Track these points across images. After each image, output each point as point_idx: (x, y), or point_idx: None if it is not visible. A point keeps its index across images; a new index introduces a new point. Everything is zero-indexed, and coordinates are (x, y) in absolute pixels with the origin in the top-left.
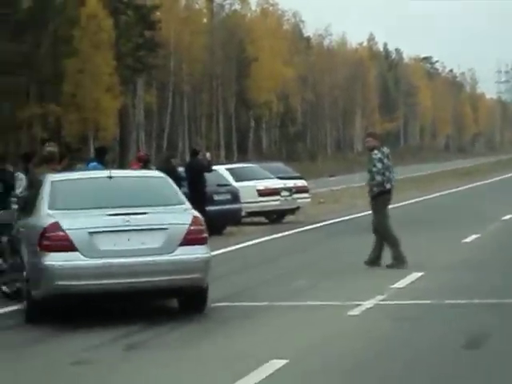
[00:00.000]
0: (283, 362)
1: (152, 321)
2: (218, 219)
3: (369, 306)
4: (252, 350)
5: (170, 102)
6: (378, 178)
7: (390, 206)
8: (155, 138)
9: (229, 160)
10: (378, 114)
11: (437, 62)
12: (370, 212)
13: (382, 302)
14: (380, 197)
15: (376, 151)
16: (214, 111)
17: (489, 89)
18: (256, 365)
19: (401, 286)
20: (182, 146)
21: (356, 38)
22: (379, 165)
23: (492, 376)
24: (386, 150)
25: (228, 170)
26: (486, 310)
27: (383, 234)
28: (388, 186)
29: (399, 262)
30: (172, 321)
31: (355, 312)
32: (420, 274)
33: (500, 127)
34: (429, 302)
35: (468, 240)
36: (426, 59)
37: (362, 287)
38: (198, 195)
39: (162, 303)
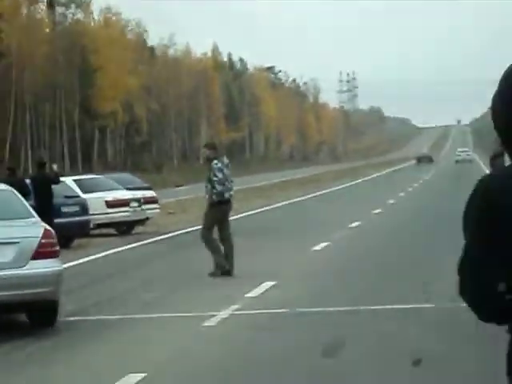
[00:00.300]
0: (141, 375)
1: (4, 337)
2: (66, 231)
3: (224, 317)
4: (107, 365)
5: (11, 113)
6: (219, 187)
7: (235, 216)
8: None
9: (73, 171)
10: (224, 123)
11: (280, 72)
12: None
13: (237, 312)
14: (218, 206)
15: (216, 161)
16: (57, 122)
17: (331, 98)
18: (112, 380)
19: (254, 295)
20: (24, 157)
21: (200, 49)
22: (219, 174)
23: (346, 383)
24: (225, 160)
25: (75, 181)
26: (340, 318)
27: (205, 240)
28: (227, 195)
29: (220, 269)
30: (25, 336)
31: (211, 323)
32: (272, 283)
33: (343, 136)
34: (283, 310)
35: (318, 248)
36: (270, 69)
37: (215, 297)
38: (45, 208)
39: (13, 318)
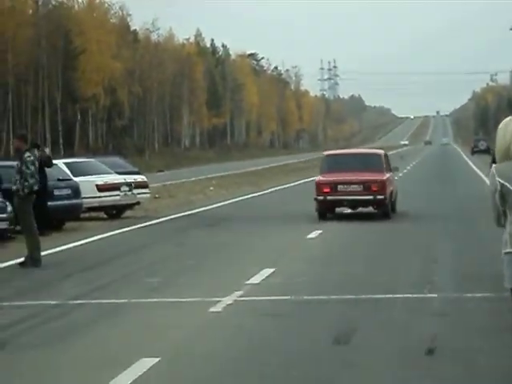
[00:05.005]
0: (154, 360)
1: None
2: (59, 214)
3: (229, 303)
4: (117, 350)
5: None
6: (31, 180)
7: (228, 201)
8: None
9: (55, 155)
10: (206, 109)
11: (262, 58)
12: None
13: (241, 299)
14: (29, 197)
15: (29, 153)
16: (39, 104)
17: (312, 86)
18: (126, 365)
19: (256, 281)
20: (6, 138)
21: (183, 34)
22: (32, 167)
23: (364, 370)
24: (36, 152)
25: (66, 164)
26: (345, 306)
27: (31, 233)
28: (36, 188)
29: (36, 263)
30: (26, 319)
31: (217, 309)
32: (272, 269)
33: (323, 124)
34: (287, 297)
35: (312, 235)
36: (252, 55)
37: (216, 284)
38: (39, 190)
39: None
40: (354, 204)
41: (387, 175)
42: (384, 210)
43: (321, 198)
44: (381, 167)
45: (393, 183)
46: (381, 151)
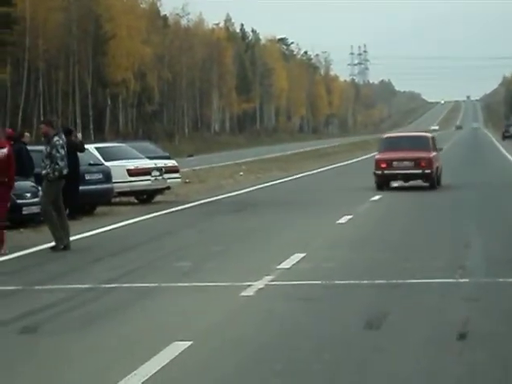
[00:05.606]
0: (187, 343)
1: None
2: (90, 199)
3: (260, 287)
4: (149, 334)
5: (24, 80)
6: (61, 163)
7: (255, 187)
8: (9, 115)
9: (85, 139)
10: (235, 94)
11: (292, 43)
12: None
13: (272, 283)
14: (58, 181)
15: (57, 137)
16: (70, 89)
17: (342, 71)
18: (158, 348)
19: (286, 266)
20: (36, 124)
21: (213, 19)
22: (62, 151)
23: (395, 355)
24: (63, 137)
25: (97, 149)
26: (376, 290)
27: (48, 217)
28: (65, 171)
29: (60, 243)
30: (58, 304)
31: (249, 293)
32: (302, 254)
33: (352, 109)
34: (319, 282)
35: (342, 221)
36: (282, 40)
37: (247, 268)
38: (72, 175)
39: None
40: (406, 177)
41: (434, 153)
42: (431, 182)
43: (379, 172)
44: (428, 147)
45: (438, 160)
46: (429, 134)
